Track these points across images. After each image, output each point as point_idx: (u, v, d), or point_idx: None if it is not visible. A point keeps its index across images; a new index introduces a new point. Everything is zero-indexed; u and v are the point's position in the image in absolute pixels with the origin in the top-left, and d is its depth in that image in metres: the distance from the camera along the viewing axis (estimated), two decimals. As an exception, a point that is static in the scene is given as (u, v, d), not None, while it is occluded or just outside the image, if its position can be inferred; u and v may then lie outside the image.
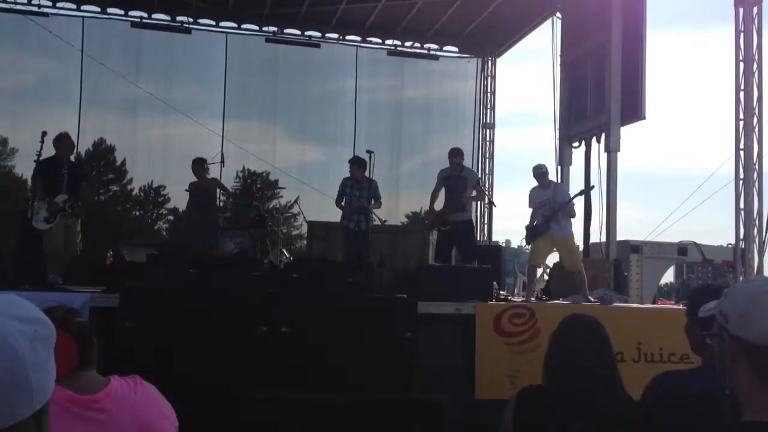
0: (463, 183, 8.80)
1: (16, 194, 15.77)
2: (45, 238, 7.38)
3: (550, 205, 7.95)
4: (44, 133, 7.33)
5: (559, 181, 11.32)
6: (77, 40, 12.36)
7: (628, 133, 10.38)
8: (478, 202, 10.89)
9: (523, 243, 8.75)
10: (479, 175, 13.19)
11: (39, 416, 1.05)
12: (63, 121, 12.08)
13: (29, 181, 8.65)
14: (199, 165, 9.25)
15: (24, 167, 14.31)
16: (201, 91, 13.99)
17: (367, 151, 8.79)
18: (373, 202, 8.85)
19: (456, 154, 8.94)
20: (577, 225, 8.51)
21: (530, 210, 8.31)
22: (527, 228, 8.26)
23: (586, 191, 9.51)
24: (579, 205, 9.14)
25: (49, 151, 7.47)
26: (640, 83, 10.04)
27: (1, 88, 12.97)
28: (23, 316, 1.06)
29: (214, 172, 9.71)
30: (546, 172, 8.22)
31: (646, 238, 10.46)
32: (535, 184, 8.22)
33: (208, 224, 9.16)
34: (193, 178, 9.28)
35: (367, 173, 8.81)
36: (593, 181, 10.40)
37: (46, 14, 12.10)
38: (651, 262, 9.86)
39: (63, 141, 7.70)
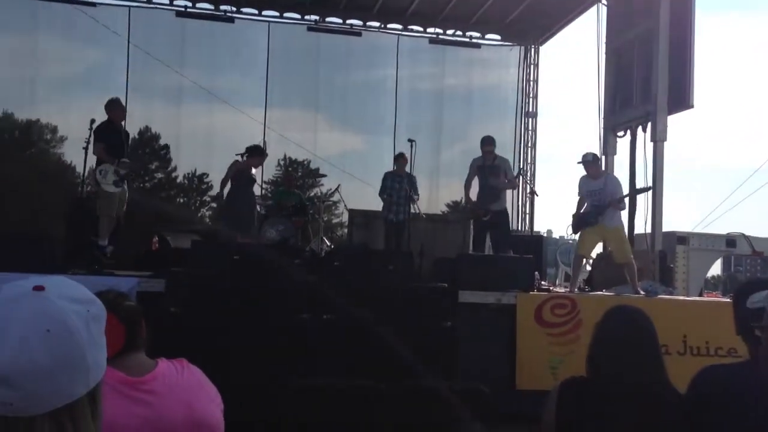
0: (496, 172, 8.74)
1: (64, 181, 16.13)
2: (105, 200, 7.41)
3: (600, 196, 7.78)
4: (92, 121, 7.47)
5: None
6: (123, 29, 12.56)
7: (675, 122, 10.17)
8: (514, 191, 10.85)
9: (566, 233, 8.63)
10: (521, 165, 13.09)
11: (94, 394, 1.08)
12: (110, 109, 12.33)
13: (78, 168, 8.79)
14: (260, 156, 9.30)
15: (72, 154, 14.63)
16: (243, 80, 14.11)
17: (409, 140, 8.85)
18: (411, 196, 9.10)
19: (488, 143, 8.88)
20: (622, 215, 8.32)
21: (577, 198, 8.16)
22: (574, 217, 8.10)
23: (641, 191, 9.30)
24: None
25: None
26: (688, 71, 9.82)
27: (50, 77, 13.27)
28: (77, 297, 1.09)
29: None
30: (592, 161, 7.99)
31: (694, 229, 10.25)
32: (584, 173, 8.05)
33: (245, 206, 9.08)
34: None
35: (408, 162, 8.96)
36: (638, 170, 10.21)
37: (93, 4, 12.33)
38: (698, 254, 9.66)
39: (116, 106, 7.83)
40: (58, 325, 1.03)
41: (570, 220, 8.20)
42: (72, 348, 1.03)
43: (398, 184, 9.37)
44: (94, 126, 7.40)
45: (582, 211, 8.00)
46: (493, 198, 8.71)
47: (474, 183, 9.01)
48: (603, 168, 10.12)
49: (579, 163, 7.98)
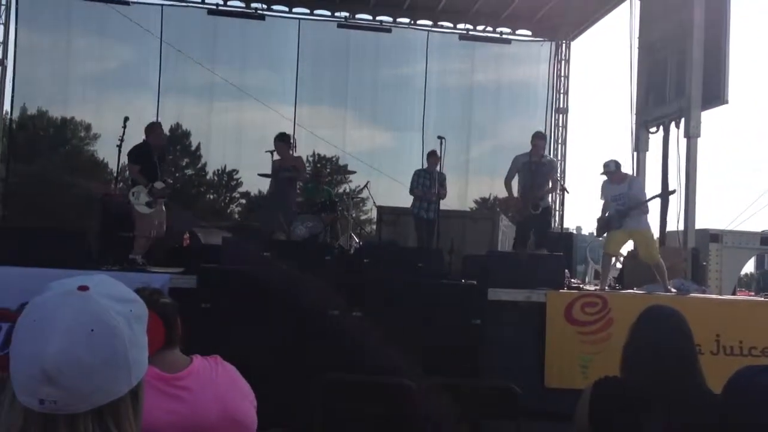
0: (546, 169, 8.64)
1: (98, 178, 16.38)
2: (141, 221, 7.61)
3: (624, 200, 7.69)
4: (126, 119, 7.56)
5: (635, 168, 11.02)
6: (156, 27, 12.72)
7: (709, 118, 10.01)
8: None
9: (596, 232, 8.51)
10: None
11: (136, 391, 1.11)
12: (142, 106, 12.51)
13: (111, 165, 8.98)
14: (284, 141, 9.10)
15: (105, 152, 14.88)
16: (274, 77, 14.20)
17: (438, 137, 8.78)
18: (440, 193, 9.12)
19: (540, 137, 8.87)
20: (653, 213, 8.22)
21: (601, 203, 8.06)
22: (599, 221, 8.02)
23: (666, 194, 9.16)
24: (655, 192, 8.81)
25: (131, 136, 7.72)
26: (723, 66, 9.65)
27: (84, 74, 13.48)
28: (120, 296, 1.11)
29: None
30: (614, 171, 7.80)
31: (727, 227, 10.10)
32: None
33: (286, 204, 8.99)
34: (264, 162, 9.26)
35: (439, 161, 9.00)
36: (671, 167, 10.08)
37: (127, 2, 12.50)
38: (731, 252, 9.51)
39: (153, 129, 8.07)
40: (101, 324, 1.05)
41: (595, 223, 8.14)
42: (115, 347, 1.05)
43: (429, 181, 9.40)
44: (119, 145, 7.56)
45: (606, 215, 7.89)
46: (540, 194, 8.60)
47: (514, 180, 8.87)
48: (634, 166, 10.01)
49: (602, 174, 7.86)
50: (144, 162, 7.72)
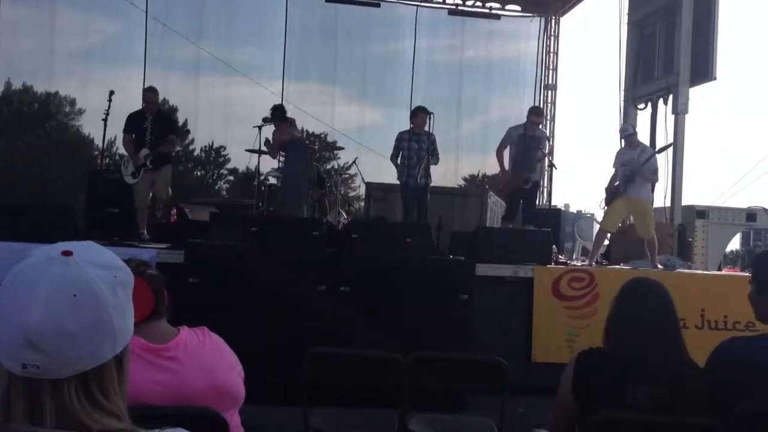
0: (537, 142, 8.59)
1: (83, 153, 16.25)
2: (133, 192, 7.56)
3: (632, 165, 7.71)
4: (111, 93, 7.50)
5: (622, 144, 11.04)
6: (141, 1, 12.55)
7: (697, 94, 10.03)
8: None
9: (600, 206, 8.33)
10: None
11: (121, 358, 1.11)
12: (128, 81, 12.38)
13: (96, 140, 8.85)
14: (285, 119, 8.68)
15: (91, 127, 14.78)
16: (261, 52, 14.14)
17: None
18: (430, 157, 8.48)
19: (538, 113, 8.79)
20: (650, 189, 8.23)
21: (612, 172, 8.07)
22: (606, 190, 8.02)
23: (664, 148, 9.16)
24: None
25: (117, 111, 7.64)
26: (712, 42, 9.66)
27: (69, 49, 13.34)
28: (104, 263, 1.10)
29: (266, 132, 9.72)
30: (632, 133, 8.03)
31: (714, 203, 10.16)
32: (617, 146, 8.02)
33: (301, 183, 8.66)
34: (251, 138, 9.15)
35: (427, 117, 8.45)
36: (659, 143, 10.10)
37: (112, -24, 12.33)
38: (717, 228, 9.57)
39: (143, 94, 7.90)
40: (84, 290, 1.04)
41: (598, 195, 8.15)
42: (98, 313, 1.05)
43: (417, 144, 8.50)
44: (105, 119, 7.42)
45: (616, 184, 7.91)
46: (531, 168, 8.57)
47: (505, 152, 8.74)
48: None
49: (621, 138, 7.96)
50: (135, 130, 7.61)
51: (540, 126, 8.89)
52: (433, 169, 8.69)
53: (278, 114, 8.63)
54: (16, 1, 12.56)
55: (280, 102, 12.75)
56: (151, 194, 7.68)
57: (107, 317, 1.06)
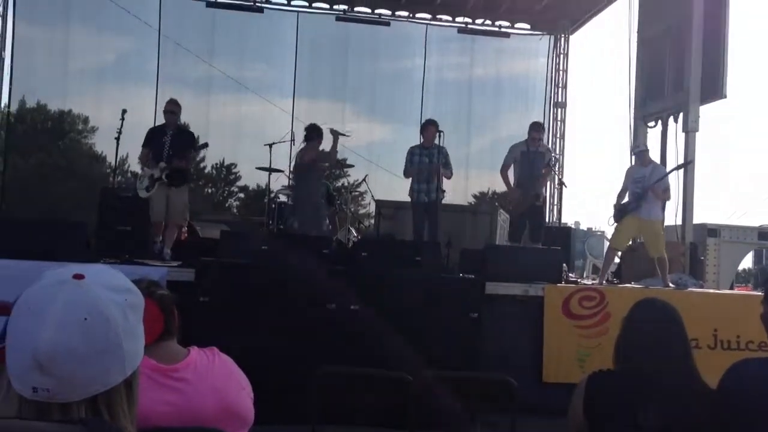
0: (541, 158, 8.57)
1: (96, 171, 16.36)
2: (149, 206, 7.49)
3: (643, 183, 7.67)
4: (124, 111, 7.56)
5: (632, 163, 11.02)
6: (154, 19, 12.66)
7: (707, 112, 10.00)
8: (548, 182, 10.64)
9: (608, 223, 8.29)
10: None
11: (130, 381, 1.11)
12: (141, 99, 12.47)
13: (109, 158, 8.87)
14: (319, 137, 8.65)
15: (103, 145, 14.86)
16: (272, 70, 14.18)
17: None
18: (442, 169, 8.40)
19: (538, 129, 8.73)
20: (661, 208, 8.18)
21: (620, 189, 8.03)
22: (615, 207, 7.98)
23: (684, 165, 9.10)
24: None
25: (129, 129, 7.68)
26: (722, 60, 9.64)
27: (82, 67, 13.43)
28: (115, 285, 1.11)
29: (283, 150, 9.76)
30: (645, 150, 8.01)
31: (725, 221, 10.09)
32: (628, 164, 8.01)
33: (321, 201, 8.77)
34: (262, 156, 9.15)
35: (437, 130, 8.46)
36: (669, 162, 10.06)
37: (124, -6, 12.44)
38: (729, 247, 9.49)
39: (167, 108, 7.78)
40: (95, 313, 1.05)
41: (608, 212, 8.09)
42: (108, 336, 1.05)
43: (427, 158, 8.45)
44: (117, 137, 7.45)
45: (624, 201, 7.88)
46: (538, 184, 8.55)
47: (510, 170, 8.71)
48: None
49: (633, 155, 7.96)
50: (154, 145, 7.54)
51: (542, 141, 8.87)
52: (444, 184, 8.63)
53: (318, 133, 8.66)
54: (31, 20, 12.69)
55: (290, 119, 12.85)
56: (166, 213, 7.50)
57: (118, 341, 1.06)
